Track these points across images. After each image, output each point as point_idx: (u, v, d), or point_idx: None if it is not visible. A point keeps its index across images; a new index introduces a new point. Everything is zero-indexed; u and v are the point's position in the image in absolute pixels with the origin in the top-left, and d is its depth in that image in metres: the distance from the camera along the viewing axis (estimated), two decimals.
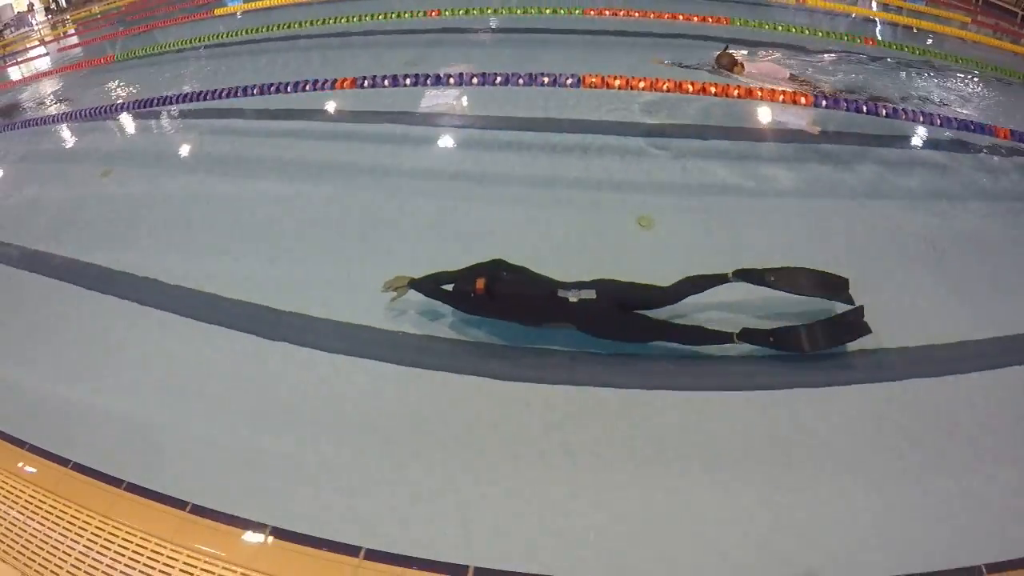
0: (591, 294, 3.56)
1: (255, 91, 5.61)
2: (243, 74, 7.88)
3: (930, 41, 9.06)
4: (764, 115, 6.08)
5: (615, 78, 5.05)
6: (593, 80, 5.06)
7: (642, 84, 5.08)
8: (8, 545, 3.07)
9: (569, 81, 5.08)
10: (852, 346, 3.62)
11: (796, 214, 4.78)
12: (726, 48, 6.67)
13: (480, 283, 3.62)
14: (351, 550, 2.86)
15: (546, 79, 5.10)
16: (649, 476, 3.10)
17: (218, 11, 11.22)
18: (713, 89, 5.00)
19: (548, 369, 3.65)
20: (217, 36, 9.17)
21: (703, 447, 3.22)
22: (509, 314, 3.74)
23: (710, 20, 7.86)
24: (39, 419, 3.69)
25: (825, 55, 7.61)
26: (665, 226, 4.66)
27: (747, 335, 3.59)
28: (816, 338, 3.61)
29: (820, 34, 8.14)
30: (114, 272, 4.74)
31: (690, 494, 3.01)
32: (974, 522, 2.85)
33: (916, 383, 3.49)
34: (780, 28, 7.95)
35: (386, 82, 5.55)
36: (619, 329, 3.67)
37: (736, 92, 5.09)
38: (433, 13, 8.34)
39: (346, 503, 3.06)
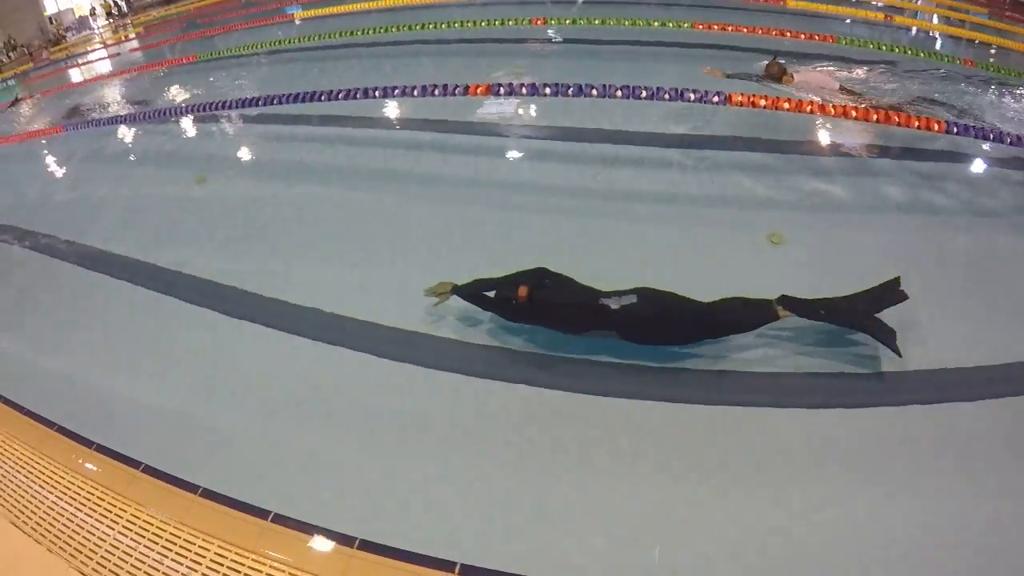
0: (632, 299, 3.51)
1: (322, 97, 5.73)
2: (303, 80, 7.96)
3: (993, 54, 8.73)
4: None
5: (761, 97, 5.08)
6: (740, 99, 5.09)
7: (786, 105, 5.05)
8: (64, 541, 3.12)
9: (716, 99, 5.11)
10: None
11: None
12: (775, 58, 6.52)
13: (523, 290, 3.59)
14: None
15: (692, 95, 5.10)
16: (682, 486, 3.05)
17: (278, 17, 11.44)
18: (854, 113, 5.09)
19: (590, 379, 3.58)
20: (279, 42, 9.30)
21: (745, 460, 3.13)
22: (550, 321, 3.70)
23: (759, 31, 7.70)
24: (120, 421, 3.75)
25: (878, 67, 7.40)
26: (797, 242, 4.49)
27: (789, 302, 3.53)
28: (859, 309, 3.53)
29: (872, 46, 7.91)
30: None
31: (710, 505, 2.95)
32: None
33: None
34: (836, 39, 7.72)
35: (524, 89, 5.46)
36: (662, 331, 3.60)
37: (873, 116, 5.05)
38: (538, 21, 8.29)
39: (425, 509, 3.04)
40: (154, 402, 3.82)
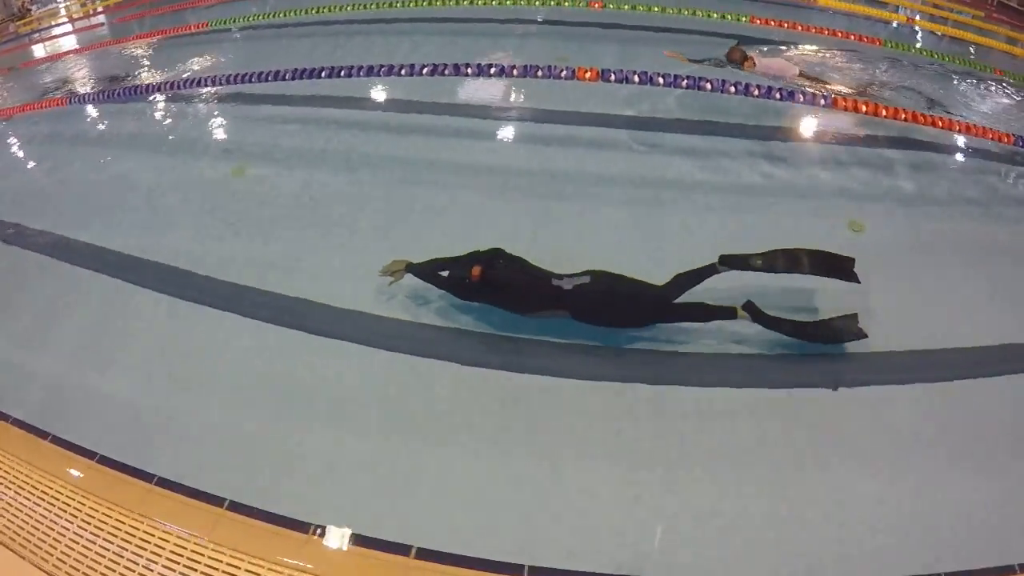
0: (585, 280, 3.51)
1: (291, 75, 5.43)
2: (274, 58, 7.55)
3: (944, 43, 8.82)
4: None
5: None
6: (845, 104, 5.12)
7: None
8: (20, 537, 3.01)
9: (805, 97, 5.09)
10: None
11: None
12: (737, 44, 6.49)
13: (476, 270, 3.58)
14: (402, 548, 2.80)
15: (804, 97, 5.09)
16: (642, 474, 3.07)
17: None
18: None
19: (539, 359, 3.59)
20: (253, 17, 8.94)
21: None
22: (503, 302, 3.68)
23: (714, 15, 7.61)
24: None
25: (838, 53, 7.41)
26: (877, 229, 4.49)
27: (727, 260, 3.62)
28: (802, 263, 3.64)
29: (835, 33, 7.87)
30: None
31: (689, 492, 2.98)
32: None
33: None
34: (794, 26, 7.68)
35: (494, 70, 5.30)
36: (615, 314, 3.60)
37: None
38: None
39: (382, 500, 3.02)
40: (103, 390, 3.71)
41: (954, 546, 2.74)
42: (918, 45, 8.40)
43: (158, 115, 6.68)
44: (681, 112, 5.87)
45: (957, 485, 2.98)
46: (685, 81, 4.99)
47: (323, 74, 5.41)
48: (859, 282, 3.59)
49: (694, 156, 5.27)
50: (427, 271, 3.81)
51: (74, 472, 3.20)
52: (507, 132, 5.82)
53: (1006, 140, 5.04)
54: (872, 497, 2.92)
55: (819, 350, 3.54)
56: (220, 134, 6.22)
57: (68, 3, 14.97)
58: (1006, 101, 6.73)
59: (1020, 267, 4.23)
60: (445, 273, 3.75)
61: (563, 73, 4.99)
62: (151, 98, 6.91)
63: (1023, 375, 3.51)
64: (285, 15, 8.62)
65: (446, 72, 5.20)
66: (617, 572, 2.67)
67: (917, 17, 10.06)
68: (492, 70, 5.33)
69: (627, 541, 2.79)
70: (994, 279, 4.09)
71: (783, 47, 7.39)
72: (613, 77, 4.89)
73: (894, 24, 9.45)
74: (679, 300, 3.58)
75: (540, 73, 5.04)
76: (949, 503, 2.90)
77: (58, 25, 13.33)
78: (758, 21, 7.53)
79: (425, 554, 2.74)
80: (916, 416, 3.31)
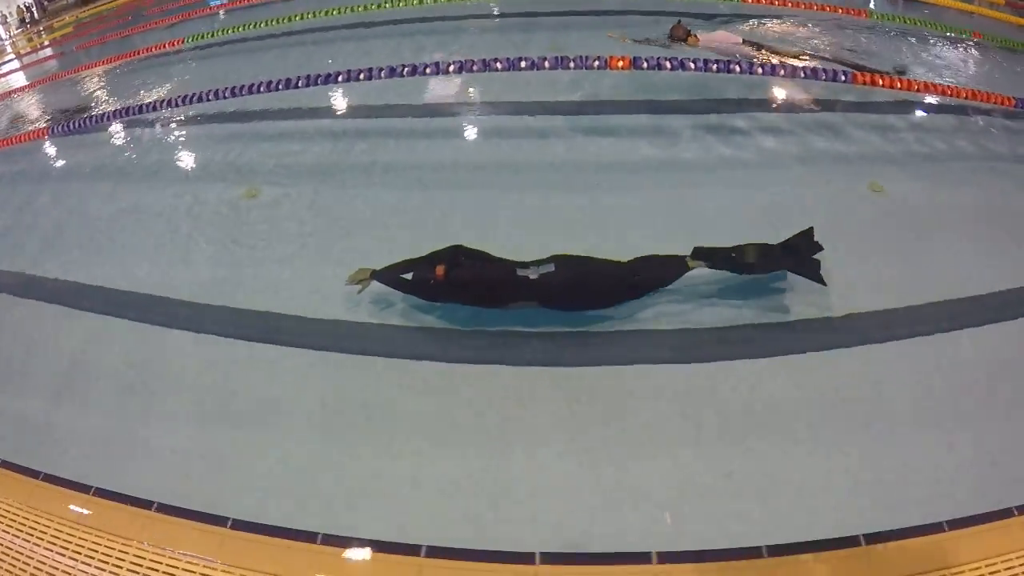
0: (550, 267, 3.53)
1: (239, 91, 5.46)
2: (219, 76, 7.43)
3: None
4: None
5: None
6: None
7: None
8: None
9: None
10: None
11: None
12: (679, 22, 6.55)
13: (439, 269, 3.58)
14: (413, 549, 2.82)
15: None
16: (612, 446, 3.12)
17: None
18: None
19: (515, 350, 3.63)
20: (200, 36, 8.74)
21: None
22: (470, 298, 3.69)
23: None
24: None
25: (780, 21, 7.49)
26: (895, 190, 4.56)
27: (700, 253, 3.64)
28: (773, 258, 3.68)
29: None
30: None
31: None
32: None
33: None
34: None
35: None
36: (582, 297, 3.63)
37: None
38: None
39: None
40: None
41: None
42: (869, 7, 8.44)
43: (118, 141, 6.57)
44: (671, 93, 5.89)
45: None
46: (715, 65, 5.02)
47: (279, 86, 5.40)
48: (824, 284, 3.60)
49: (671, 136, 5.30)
50: (392, 276, 3.80)
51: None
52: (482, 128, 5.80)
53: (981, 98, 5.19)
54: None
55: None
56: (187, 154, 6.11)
57: (15, 38, 14.65)
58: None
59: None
60: (409, 276, 3.74)
61: (596, 63, 4.97)
62: (111, 124, 6.78)
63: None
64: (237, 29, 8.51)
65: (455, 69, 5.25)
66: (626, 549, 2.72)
67: None
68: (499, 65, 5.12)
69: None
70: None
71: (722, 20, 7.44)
72: (646, 64, 4.94)
73: None
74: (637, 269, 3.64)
75: (573, 65, 4.99)
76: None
77: (6, 61, 13.05)
78: None
79: (436, 552, 2.76)
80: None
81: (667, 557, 2.67)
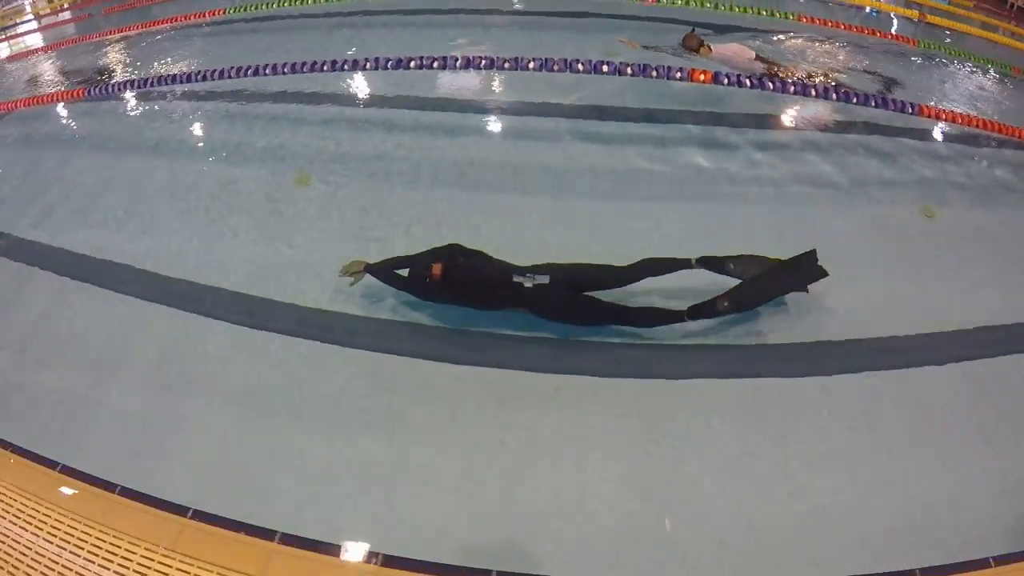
0: (545, 279, 3.51)
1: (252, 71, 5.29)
2: (228, 54, 7.30)
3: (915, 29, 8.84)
4: None
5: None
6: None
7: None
8: None
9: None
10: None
11: None
12: (692, 31, 6.45)
13: (436, 268, 3.57)
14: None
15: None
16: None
17: None
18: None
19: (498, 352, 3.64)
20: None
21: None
22: (464, 299, 3.68)
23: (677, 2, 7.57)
24: None
25: (796, 37, 7.43)
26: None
27: (696, 311, 3.57)
28: (769, 288, 3.67)
29: (788, 16, 7.83)
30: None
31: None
32: None
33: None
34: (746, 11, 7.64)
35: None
36: (573, 313, 3.64)
37: None
38: None
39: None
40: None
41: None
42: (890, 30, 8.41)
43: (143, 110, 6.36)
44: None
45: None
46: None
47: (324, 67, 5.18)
48: (827, 273, 3.62)
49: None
50: (386, 271, 3.80)
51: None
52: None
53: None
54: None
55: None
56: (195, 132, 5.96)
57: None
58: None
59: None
60: (404, 272, 3.74)
61: (678, 75, 4.88)
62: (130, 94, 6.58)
63: None
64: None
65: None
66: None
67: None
68: (605, 68, 4.85)
69: None
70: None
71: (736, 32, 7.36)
72: (727, 81, 4.92)
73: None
74: (632, 305, 3.65)
75: (655, 74, 4.87)
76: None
77: (25, 22, 12.92)
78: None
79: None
80: None
81: None
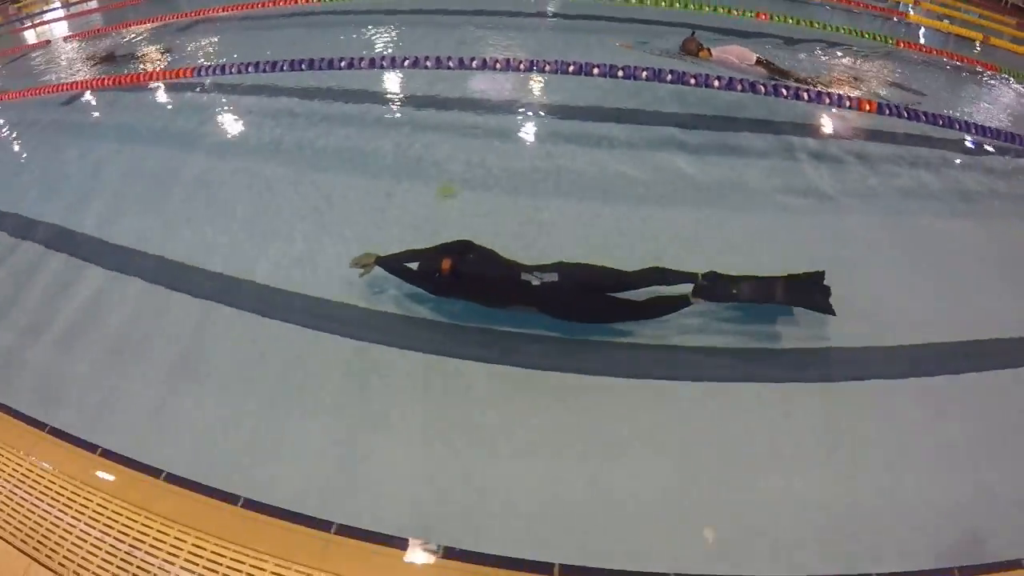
0: (553, 277, 3.52)
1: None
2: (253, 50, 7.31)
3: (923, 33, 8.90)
4: None
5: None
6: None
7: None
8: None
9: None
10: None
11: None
12: (692, 34, 6.48)
13: (446, 264, 3.56)
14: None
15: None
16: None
17: None
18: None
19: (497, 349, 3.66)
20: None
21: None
22: (473, 295, 3.69)
23: (676, 6, 7.60)
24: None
25: (800, 43, 7.46)
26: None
27: (709, 292, 3.58)
28: (777, 292, 3.61)
29: (802, 23, 7.78)
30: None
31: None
32: None
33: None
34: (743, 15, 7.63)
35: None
36: (581, 311, 3.63)
37: None
38: None
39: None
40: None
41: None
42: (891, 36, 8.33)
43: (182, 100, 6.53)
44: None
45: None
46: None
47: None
48: (834, 314, 3.56)
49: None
50: (396, 264, 3.82)
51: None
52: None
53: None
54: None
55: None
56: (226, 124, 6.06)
57: None
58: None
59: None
60: (414, 266, 3.75)
61: (839, 104, 5.02)
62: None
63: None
64: None
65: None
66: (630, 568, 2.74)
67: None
68: (717, 83, 5.00)
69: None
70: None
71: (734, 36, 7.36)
72: (888, 112, 4.96)
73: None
74: (637, 299, 3.64)
75: (785, 93, 5.00)
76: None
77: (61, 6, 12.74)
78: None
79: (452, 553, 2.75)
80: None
81: None
